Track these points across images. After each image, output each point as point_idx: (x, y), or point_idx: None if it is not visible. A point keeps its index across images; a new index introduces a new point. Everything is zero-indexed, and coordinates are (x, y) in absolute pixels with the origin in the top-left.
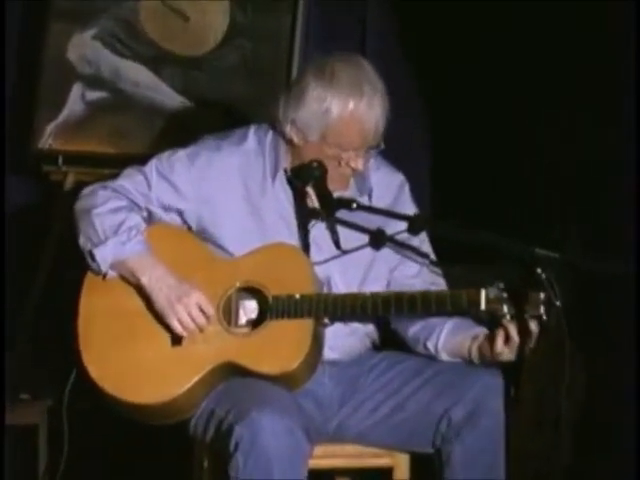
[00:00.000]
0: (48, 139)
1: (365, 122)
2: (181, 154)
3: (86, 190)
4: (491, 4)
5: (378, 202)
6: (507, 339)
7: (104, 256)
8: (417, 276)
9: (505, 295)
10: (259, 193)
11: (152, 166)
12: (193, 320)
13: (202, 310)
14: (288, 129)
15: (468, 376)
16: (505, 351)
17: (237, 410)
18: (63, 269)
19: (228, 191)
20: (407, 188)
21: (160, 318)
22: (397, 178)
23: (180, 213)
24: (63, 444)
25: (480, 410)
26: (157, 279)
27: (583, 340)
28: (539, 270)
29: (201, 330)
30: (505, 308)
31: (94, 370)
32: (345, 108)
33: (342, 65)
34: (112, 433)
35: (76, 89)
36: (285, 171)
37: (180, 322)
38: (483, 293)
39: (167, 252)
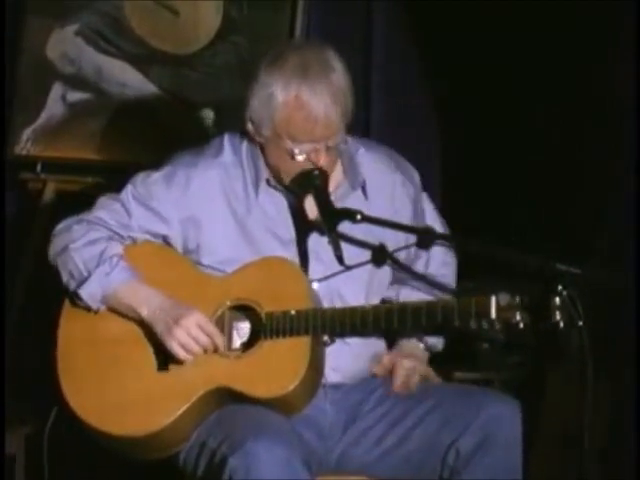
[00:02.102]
0: (26, 144)
1: (312, 108)
2: (156, 176)
3: (59, 227)
4: (501, 4)
5: (372, 192)
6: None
7: (92, 293)
8: (421, 288)
9: (518, 301)
10: (244, 208)
11: (128, 193)
12: (196, 341)
13: (203, 329)
14: (249, 127)
15: (474, 403)
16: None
17: (230, 440)
18: (42, 283)
19: (211, 208)
20: (395, 160)
21: (144, 343)
22: (386, 156)
23: (165, 238)
24: (43, 477)
25: (490, 441)
26: (156, 308)
27: (606, 363)
28: (560, 287)
29: (205, 351)
30: (518, 316)
31: (75, 402)
32: (289, 90)
33: (294, 51)
34: (95, 465)
35: (56, 90)
36: (267, 181)
37: (182, 346)
38: (493, 300)
39: (151, 271)
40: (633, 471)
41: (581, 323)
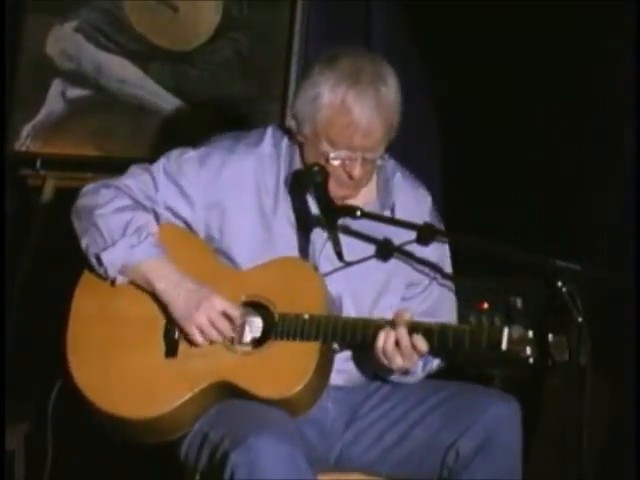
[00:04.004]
0: (25, 141)
1: (355, 113)
2: (192, 154)
3: (87, 188)
4: (501, 4)
5: (401, 218)
6: (397, 343)
7: (112, 260)
8: (428, 314)
9: (530, 336)
10: (272, 202)
11: (160, 166)
12: (215, 327)
13: (226, 315)
14: (291, 124)
15: (476, 403)
16: (397, 357)
17: (233, 435)
18: (42, 280)
19: (240, 197)
20: (430, 204)
21: (155, 327)
22: (422, 194)
23: (186, 222)
24: (44, 473)
25: (491, 443)
26: (175, 285)
27: (606, 363)
28: (559, 283)
29: (225, 339)
30: (528, 350)
31: (78, 375)
32: (336, 93)
33: (349, 55)
34: (97, 459)
35: (56, 86)
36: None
37: (200, 330)
38: (506, 332)
39: (173, 256)
40: (633, 471)
41: (581, 320)
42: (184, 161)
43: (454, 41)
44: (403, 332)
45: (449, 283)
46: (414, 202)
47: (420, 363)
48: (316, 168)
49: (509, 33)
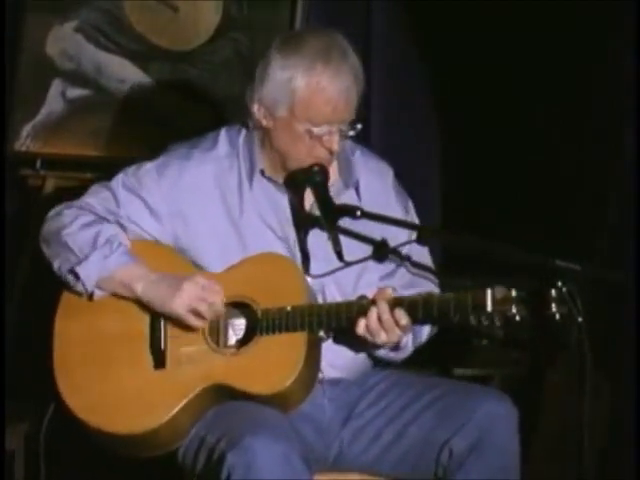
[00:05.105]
0: (25, 141)
1: (334, 89)
2: (149, 167)
3: (50, 213)
4: (501, 4)
5: (366, 195)
6: (379, 318)
7: (88, 273)
8: (409, 286)
9: (514, 294)
10: (237, 201)
11: (119, 181)
12: (205, 301)
13: (208, 289)
14: (256, 110)
15: (470, 401)
16: (381, 333)
17: (229, 437)
18: (41, 281)
19: (203, 203)
20: (392, 177)
21: (140, 341)
22: (384, 169)
23: (154, 236)
24: (40, 474)
25: (485, 442)
26: (152, 282)
27: (606, 362)
28: (559, 283)
29: (218, 314)
30: (514, 308)
31: (72, 400)
32: (311, 74)
33: (309, 35)
34: (94, 462)
35: (56, 86)
36: (262, 172)
37: (191, 310)
38: (489, 292)
39: (147, 265)
40: (633, 471)
41: (580, 319)
42: (143, 174)
43: (454, 41)
44: (384, 307)
45: (425, 251)
46: (377, 178)
47: (410, 336)
48: (316, 168)
49: (509, 33)
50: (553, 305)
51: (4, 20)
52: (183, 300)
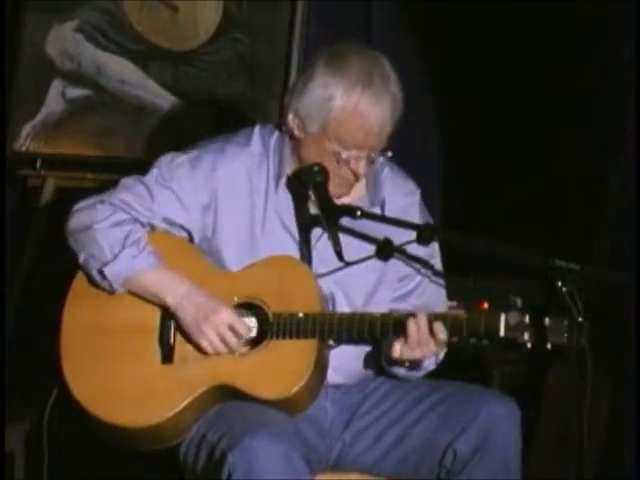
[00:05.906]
0: (25, 141)
1: (370, 116)
2: (183, 158)
3: (81, 204)
4: (501, 4)
5: (390, 214)
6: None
7: (116, 273)
8: (424, 309)
9: (527, 321)
10: (262, 202)
11: (153, 176)
12: (223, 341)
13: (233, 329)
14: (290, 119)
15: (472, 404)
16: (404, 351)
17: (230, 436)
18: (41, 280)
19: (233, 198)
20: (418, 196)
21: (150, 334)
22: (411, 189)
23: (183, 227)
24: (42, 474)
25: (488, 444)
26: (182, 297)
27: (606, 362)
28: (559, 283)
29: (232, 352)
30: (526, 336)
31: (76, 388)
32: (350, 96)
33: (356, 55)
34: (96, 461)
35: (56, 86)
36: (289, 179)
37: (210, 344)
38: (503, 318)
39: (167, 262)
40: (633, 471)
41: (581, 319)
42: (176, 166)
43: (454, 41)
44: (425, 320)
45: (440, 278)
46: (403, 197)
47: (433, 356)
48: (317, 168)
49: (509, 33)
50: (565, 336)
51: (4, 20)
52: (203, 334)
